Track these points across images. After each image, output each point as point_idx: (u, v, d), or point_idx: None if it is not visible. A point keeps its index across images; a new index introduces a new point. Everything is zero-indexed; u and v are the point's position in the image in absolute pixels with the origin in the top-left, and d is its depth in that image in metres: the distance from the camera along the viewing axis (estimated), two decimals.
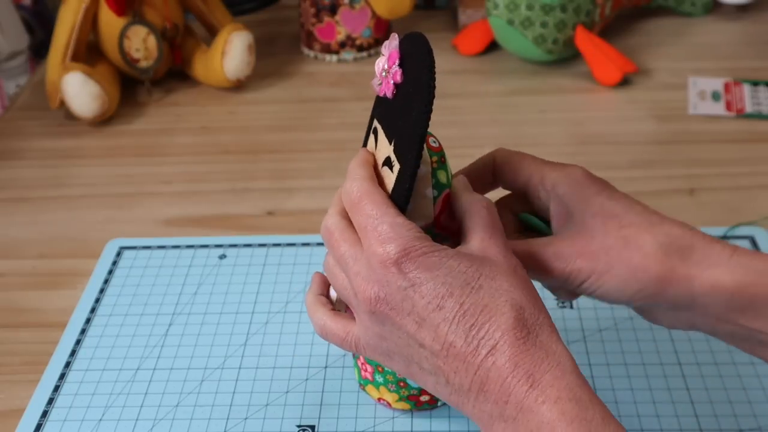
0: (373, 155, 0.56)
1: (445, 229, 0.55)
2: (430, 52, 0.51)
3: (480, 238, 0.51)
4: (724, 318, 0.53)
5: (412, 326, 0.49)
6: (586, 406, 0.45)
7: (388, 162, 0.53)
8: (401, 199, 0.51)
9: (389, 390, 0.63)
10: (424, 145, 0.54)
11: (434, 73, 0.50)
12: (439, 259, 0.49)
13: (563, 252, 0.54)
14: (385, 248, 0.49)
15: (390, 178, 0.53)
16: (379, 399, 0.64)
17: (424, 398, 0.63)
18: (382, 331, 0.51)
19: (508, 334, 0.47)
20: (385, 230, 0.50)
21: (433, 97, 0.50)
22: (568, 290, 0.56)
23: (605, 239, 0.53)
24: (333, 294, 0.58)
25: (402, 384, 0.62)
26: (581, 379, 0.47)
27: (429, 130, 0.56)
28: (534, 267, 0.54)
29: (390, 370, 0.61)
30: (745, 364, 0.67)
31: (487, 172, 0.59)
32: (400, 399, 0.63)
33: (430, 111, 0.50)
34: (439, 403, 0.64)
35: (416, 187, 0.53)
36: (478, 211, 0.53)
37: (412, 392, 0.62)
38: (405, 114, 0.52)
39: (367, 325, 0.52)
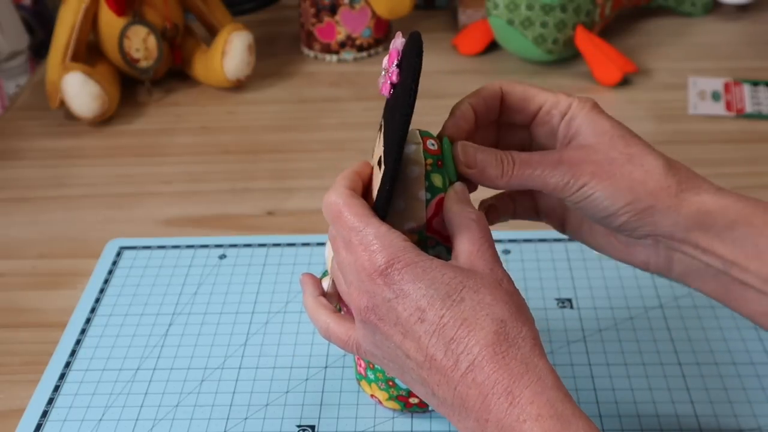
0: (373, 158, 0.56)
1: (438, 233, 0.55)
2: (419, 54, 0.51)
3: (468, 252, 0.51)
4: (702, 246, 0.55)
5: (398, 337, 0.49)
6: (568, 422, 0.45)
7: (380, 162, 0.53)
8: (381, 201, 0.51)
9: (380, 388, 0.63)
10: (420, 148, 0.54)
11: (418, 77, 0.50)
12: (423, 271, 0.49)
13: (568, 156, 0.55)
14: (371, 259, 0.49)
15: (378, 177, 0.53)
16: (371, 395, 0.64)
17: (413, 400, 0.62)
18: (374, 340, 0.51)
19: (486, 350, 0.47)
20: (371, 241, 0.50)
21: (414, 101, 0.50)
22: (561, 198, 0.56)
23: (610, 152, 0.55)
24: (326, 285, 0.58)
25: (391, 383, 0.62)
26: (563, 393, 0.46)
27: (430, 131, 0.56)
28: (537, 170, 0.55)
29: (380, 368, 0.61)
30: (745, 364, 0.67)
31: (495, 103, 0.58)
32: (390, 398, 0.63)
33: (410, 116, 0.50)
34: (430, 408, 0.63)
35: (409, 188, 0.53)
36: (467, 225, 0.52)
37: (400, 393, 0.62)
38: (394, 116, 0.52)
39: (362, 333, 0.52)
